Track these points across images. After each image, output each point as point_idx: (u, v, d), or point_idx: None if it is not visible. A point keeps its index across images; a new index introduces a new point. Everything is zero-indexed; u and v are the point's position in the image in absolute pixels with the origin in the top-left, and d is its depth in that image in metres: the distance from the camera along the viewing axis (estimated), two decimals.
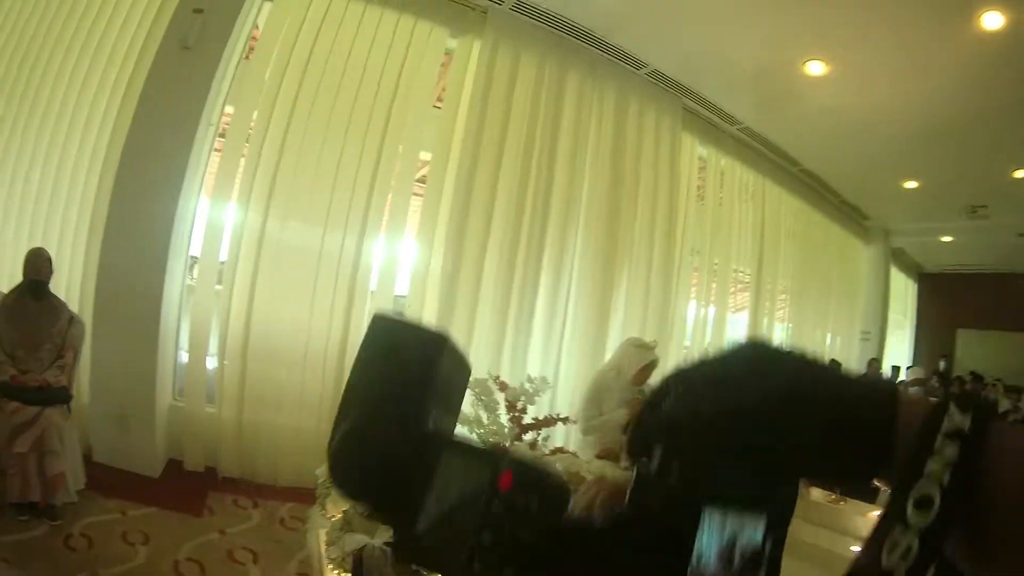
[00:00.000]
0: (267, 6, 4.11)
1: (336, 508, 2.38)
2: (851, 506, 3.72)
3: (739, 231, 6.25)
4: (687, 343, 5.84)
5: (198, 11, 3.66)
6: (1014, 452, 0.33)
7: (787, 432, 0.35)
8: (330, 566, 2.04)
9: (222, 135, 4.10)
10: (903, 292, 12.37)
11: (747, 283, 6.58)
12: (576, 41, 4.60)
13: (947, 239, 9.82)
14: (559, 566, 0.39)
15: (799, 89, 4.99)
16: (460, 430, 2.02)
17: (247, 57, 4.18)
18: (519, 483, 0.38)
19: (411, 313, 4.10)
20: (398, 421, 0.43)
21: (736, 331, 6.47)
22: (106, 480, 3.46)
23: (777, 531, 0.36)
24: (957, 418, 0.33)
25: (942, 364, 10.85)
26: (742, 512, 0.36)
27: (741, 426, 0.36)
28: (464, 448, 0.43)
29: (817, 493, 3.85)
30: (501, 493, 0.37)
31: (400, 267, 4.25)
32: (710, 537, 0.37)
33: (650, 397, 0.40)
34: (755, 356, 0.39)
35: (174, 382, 4.01)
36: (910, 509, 0.32)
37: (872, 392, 0.37)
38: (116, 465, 3.58)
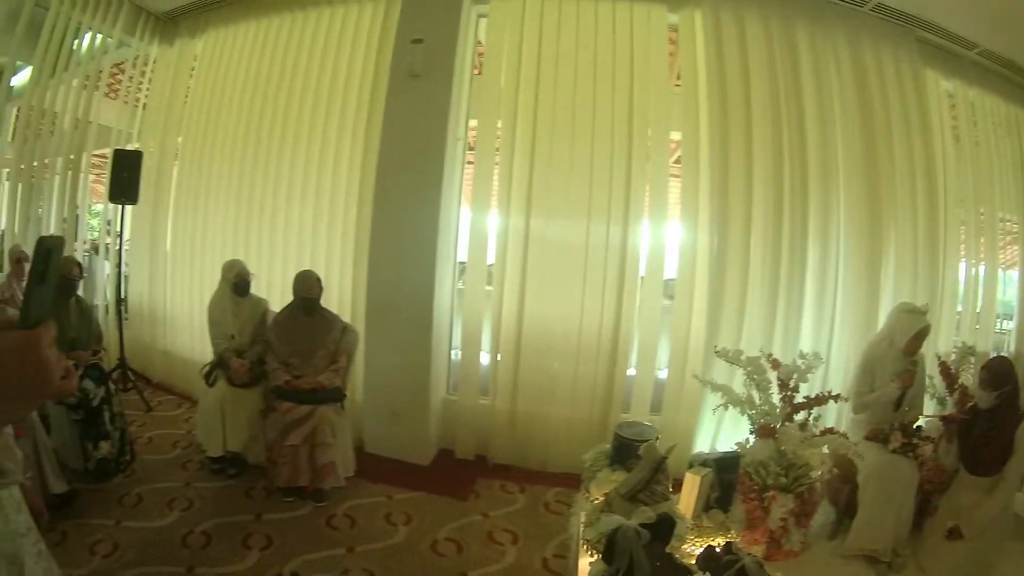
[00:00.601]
0: (483, 21, 4.30)
1: (599, 491, 2.39)
2: None
3: (999, 173, 5.48)
4: (960, 308, 5.17)
5: (417, 41, 3.97)
6: None
7: None
8: (584, 547, 2.04)
9: (471, 148, 4.32)
10: None
11: (1016, 234, 5.75)
12: None
13: None
14: None
15: None
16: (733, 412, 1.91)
17: (478, 72, 4.37)
18: None
19: (682, 296, 4.01)
20: None
21: (1009, 291, 5.64)
22: (377, 468, 3.74)
23: None
24: None
25: None
26: None
27: None
28: None
29: None
30: None
31: (667, 250, 4.17)
32: None
33: None
34: None
35: (448, 378, 4.31)
36: None
37: None
38: (388, 455, 3.89)
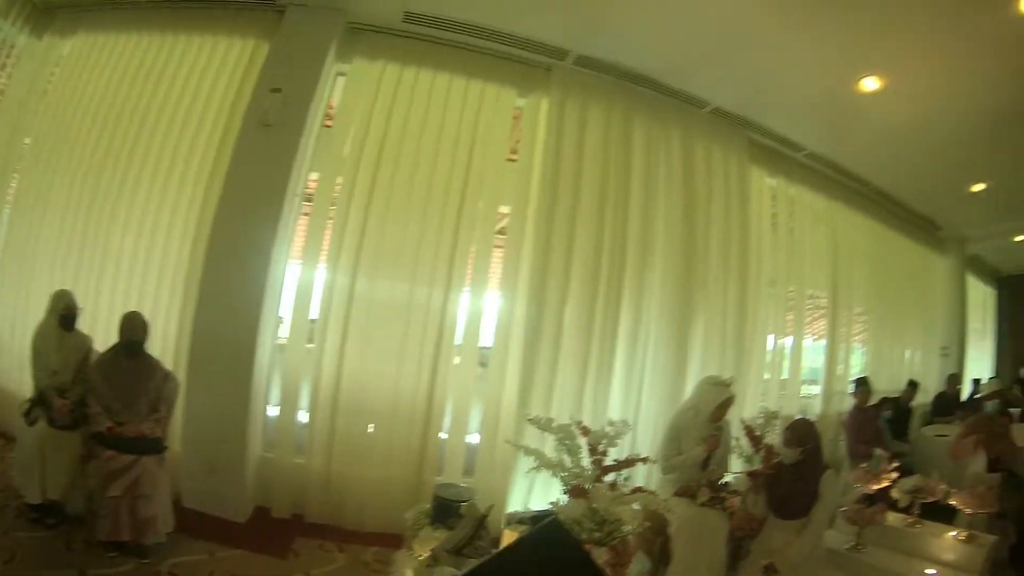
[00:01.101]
0: (341, 80, 4.43)
1: (422, 548, 2.58)
2: (927, 529, 3.79)
3: (812, 257, 6.23)
4: (766, 376, 5.84)
5: (276, 90, 3.98)
6: None
7: None
8: None
9: (308, 200, 4.38)
10: (982, 301, 11.98)
11: (823, 309, 6.54)
12: (638, 88, 4.77)
13: (1022, 238, 9.40)
14: None
15: (857, 107, 5.02)
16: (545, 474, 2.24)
17: (326, 126, 4.48)
18: None
19: (495, 363, 4.30)
20: None
21: (813, 360, 6.41)
22: (194, 524, 3.68)
23: None
24: None
25: (1023, 371, 10.50)
26: None
27: None
28: None
29: (893, 517, 3.88)
30: None
31: (485, 319, 4.42)
32: None
33: None
34: None
35: (263, 435, 4.26)
36: None
37: None
38: (205, 510, 3.83)
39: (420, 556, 2.57)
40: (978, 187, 6.97)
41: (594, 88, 4.60)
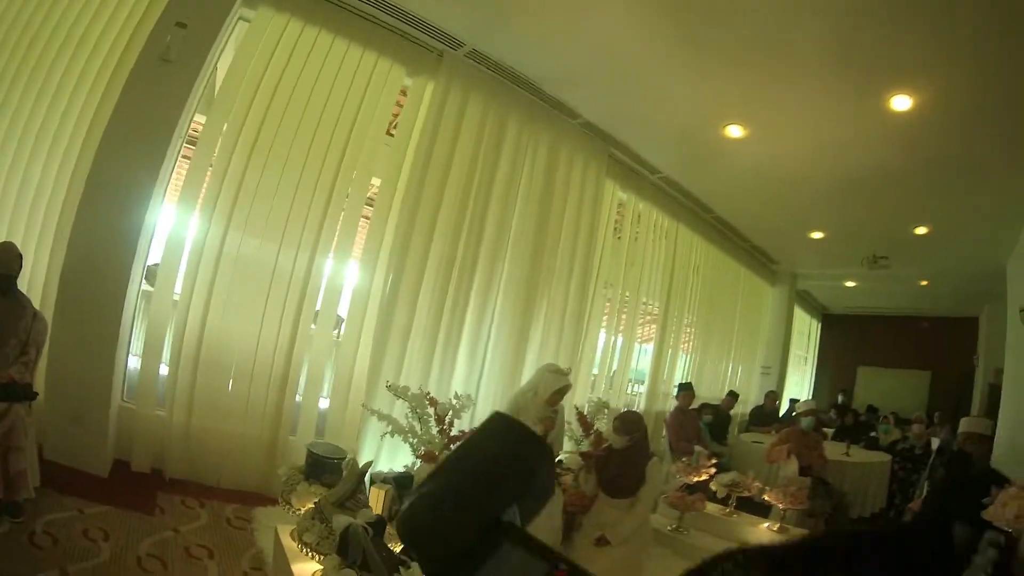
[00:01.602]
0: (241, 25, 4.39)
1: (301, 503, 2.93)
2: (743, 519, 4.61)
3: (651, 267, 7.08)
4: (595, 371, 6.53)
5: (181, 25, 3.86)
6: None
7: None
8: (304, 550, 2.57)
9: (192, 143, 4.36)
10: (807, 330, 13.68)
11: (655, 316, 7.39)
12: (519, 90, 5.27)
13: (851, 284, 11.10)
14: None
15: (718, 148, 5.80)
16: (397, 439, 2.70)
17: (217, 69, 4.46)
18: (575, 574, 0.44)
19: (350, 331, 4.55)
20: (480, 502, 0.48)
21: (641, 361, 7.22)
22: (58, 478, 3.55)
23: None
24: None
25: (840, 398, 12.23)
26: None
27: None
28: (526, 541, 0.49)
29: (712, 507, 4.66)
30: None
31: (344, 287, 4.70)
32: None
33: None
34: None
35: (124, 385, 4.20)
36: None
37: None
38: (66, 463, 3.70)
39: (299, 510, 2.91)
40: (817, 235, 8.21)
41: (479, 81, 5.04)
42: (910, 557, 0.52)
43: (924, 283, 9.97)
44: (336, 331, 5.13)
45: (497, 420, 0.54)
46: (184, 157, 4.42)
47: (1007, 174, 5.29)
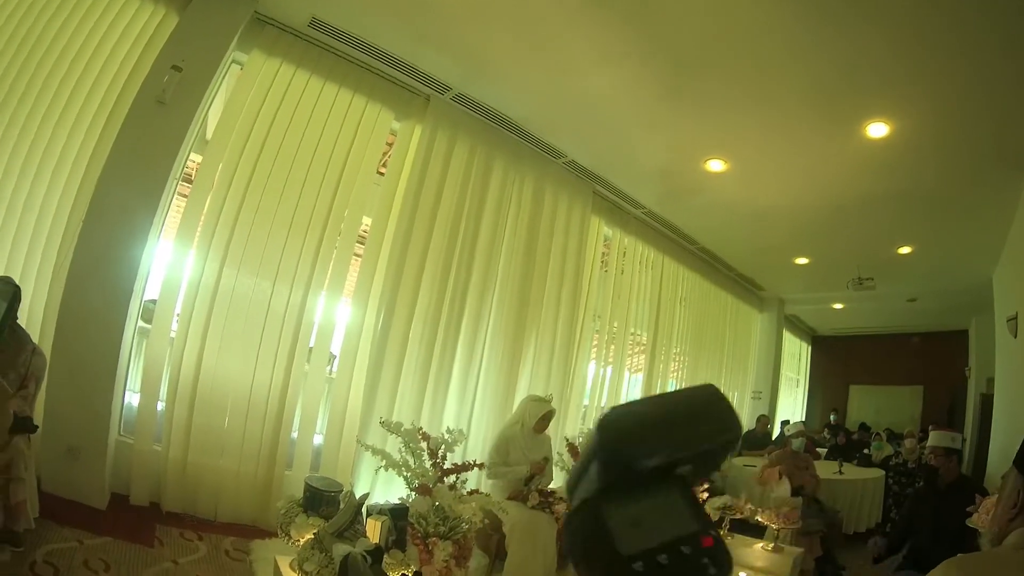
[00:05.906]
0: (235, 68, 4.66)
1: (300, 534, 3.07)
2: (738, 540, 4.62)
3: (638, 298, 7.35)
4: (585, 402, 6.78)
5: (177, 68, 4.04)
6: None
7: None
8: None
9: (188, 180, 4.55)
10: (798, 352, 13.96)
11: (644, 345, 7.67)
12: (505, 131, 5.55)
13: (838, 306, 11.35)
14: None
15: (700, 182, 6.07)
16: (392, 473, 2.99)
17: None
18: (718, 546, 0.47)
19: (343, 368, 4.78)
20: (679, 436, 0.49)
21: (631, 391, 7.45)
22: (57, 510, 3.67)
23: None
24: None
25: (832, 417, 12.47)
26: None
27: None
28: (692, 499, 0.50)
29: None
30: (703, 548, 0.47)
31: (337, 324, 4.89)
32: None
33: None
34: None
35: (121, 419, 4.32)
36: None
37: None
38: (65, 496, 3.81)
39: (299, 541, 3.06)
40: (802, 260, 8.50)
41: (465, 123, 5.32)
42: None
43: (911, 300, 10.13)
44: (329, 368, 5.30)
45: (712, 390, 0.53)
46: (180, 195, 4.59)
47: (985, 190, 5.49)
